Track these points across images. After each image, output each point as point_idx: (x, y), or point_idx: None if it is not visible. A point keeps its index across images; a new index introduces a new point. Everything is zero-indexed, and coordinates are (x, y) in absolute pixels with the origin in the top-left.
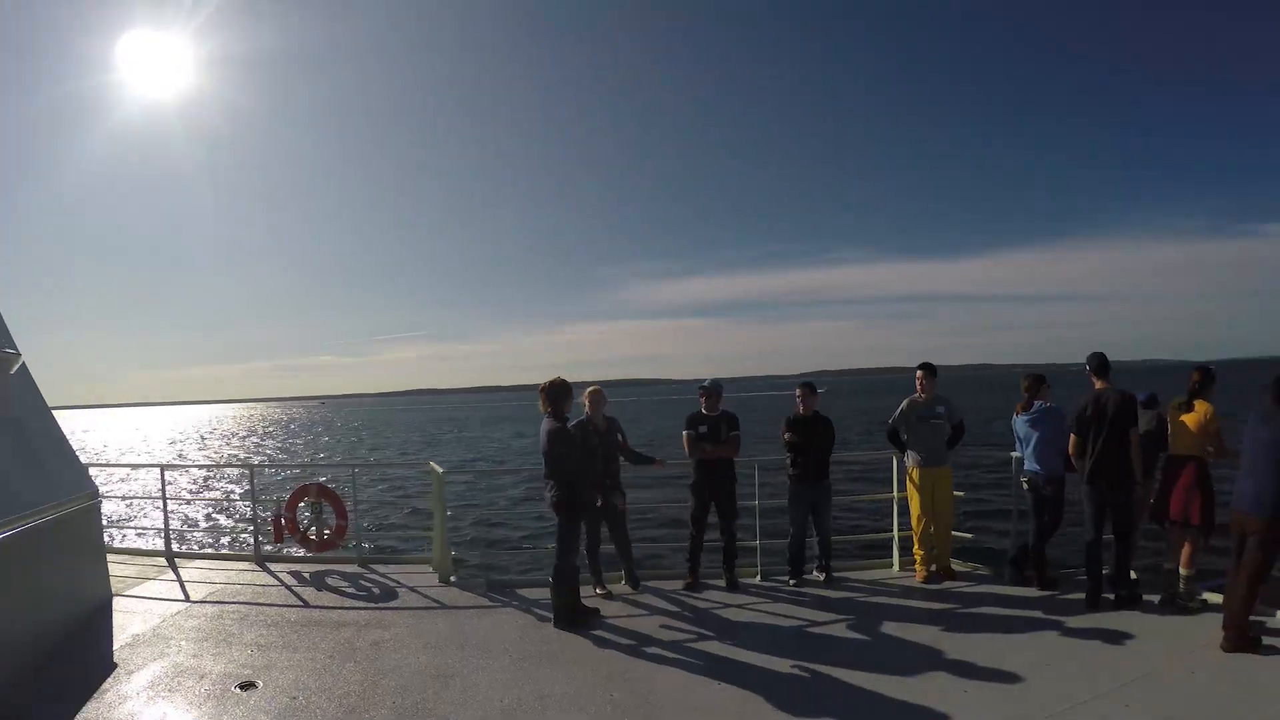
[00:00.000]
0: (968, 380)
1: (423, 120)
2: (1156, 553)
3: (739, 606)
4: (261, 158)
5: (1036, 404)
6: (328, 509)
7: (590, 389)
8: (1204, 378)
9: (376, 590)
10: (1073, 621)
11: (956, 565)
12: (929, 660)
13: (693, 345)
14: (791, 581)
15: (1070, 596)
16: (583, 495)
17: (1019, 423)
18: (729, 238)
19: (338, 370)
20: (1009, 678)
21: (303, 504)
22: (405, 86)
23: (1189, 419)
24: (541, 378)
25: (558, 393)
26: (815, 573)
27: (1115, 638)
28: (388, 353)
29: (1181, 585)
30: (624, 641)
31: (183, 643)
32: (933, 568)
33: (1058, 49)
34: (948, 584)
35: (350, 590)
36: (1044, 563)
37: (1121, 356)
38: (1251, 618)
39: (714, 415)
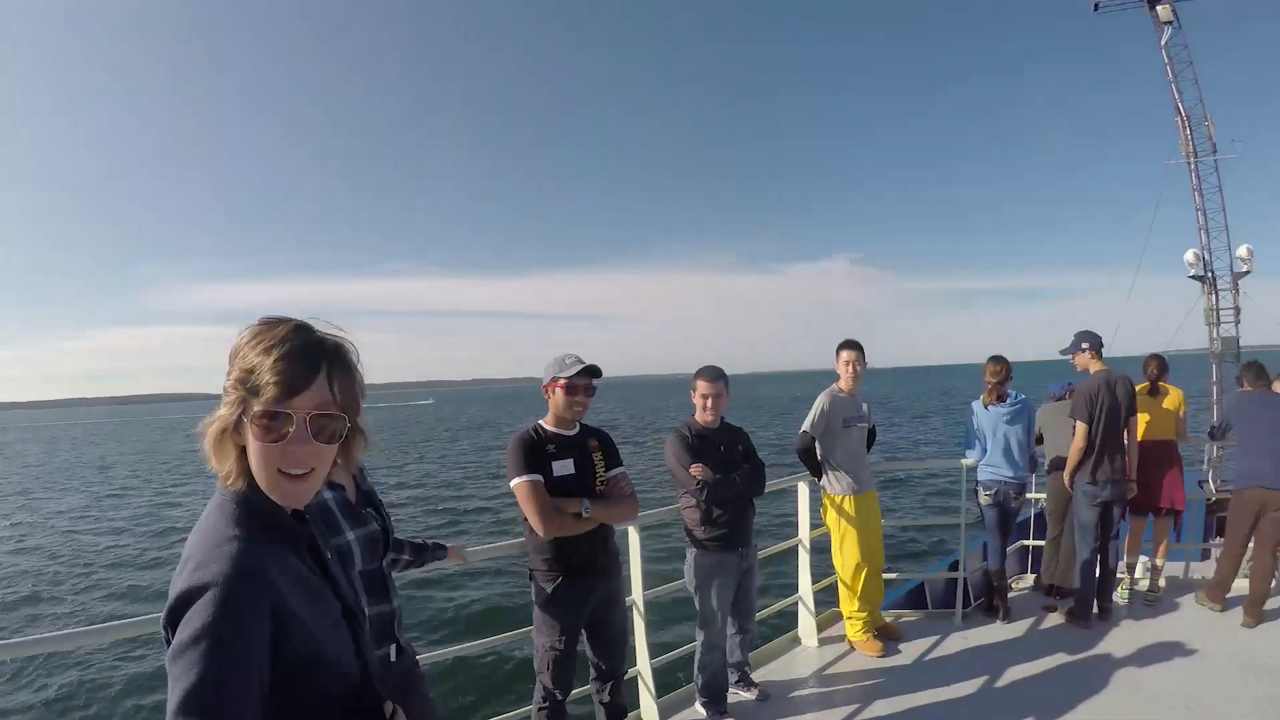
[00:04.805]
0: (507, 394)
1: None
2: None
3: None
4: None
5: (1011, 394)
6: None
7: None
8: (1161, 365)
9: None
10: (1104, 646)
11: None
12: None
13: (222, 357)
14: None
15: (1050, 623)
16: None
17: (988, 416)
18: (281, 242)
19: None
20: None
21: None
22: None
23: (1167, 403)
24: (60, 393)
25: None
26: (739, 689)
27: (1167, 651)
28: None
29: (1160, 579)
30: None
31: None
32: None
33: (651, 107)
34: (903, 646)
35: None
36: (1007, 589)
37: (661, 371)
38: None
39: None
